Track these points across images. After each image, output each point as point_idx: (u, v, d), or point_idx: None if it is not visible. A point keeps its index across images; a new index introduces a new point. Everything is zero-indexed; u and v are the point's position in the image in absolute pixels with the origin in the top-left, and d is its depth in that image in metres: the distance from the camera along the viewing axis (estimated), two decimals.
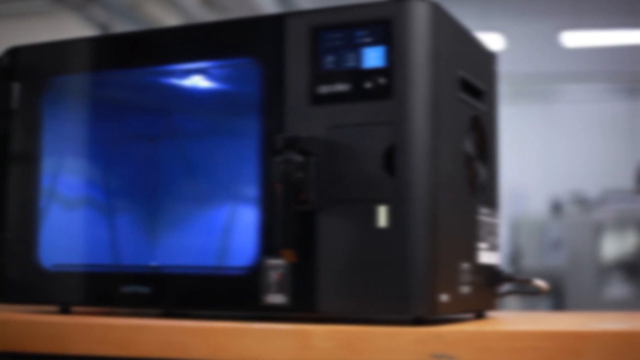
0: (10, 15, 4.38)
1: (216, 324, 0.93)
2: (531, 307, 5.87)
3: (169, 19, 5.01)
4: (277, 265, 0.96)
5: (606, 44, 7.42)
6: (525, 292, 1.14)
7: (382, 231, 0.91)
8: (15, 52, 1.18)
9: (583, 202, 6.60)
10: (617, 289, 6.12)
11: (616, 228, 6.27)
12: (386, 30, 0.93)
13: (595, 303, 5.80)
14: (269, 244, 0.97)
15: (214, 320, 0.96)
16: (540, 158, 7.66)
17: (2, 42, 1.33)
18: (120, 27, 4.56)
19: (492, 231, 1.09)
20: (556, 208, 6.78)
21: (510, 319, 1.09)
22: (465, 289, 0.99)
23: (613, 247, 6.26)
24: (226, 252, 1.01)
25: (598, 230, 6.17)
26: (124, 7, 4.67)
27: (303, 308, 0.95)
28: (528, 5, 7.30)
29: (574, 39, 7.48)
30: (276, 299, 0.95)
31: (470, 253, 1.02)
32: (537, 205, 7.13)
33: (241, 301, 0.98)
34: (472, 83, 1.05)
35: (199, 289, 1.01)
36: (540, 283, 1.10)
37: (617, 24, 7.13)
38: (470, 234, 1.02)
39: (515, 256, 6.64)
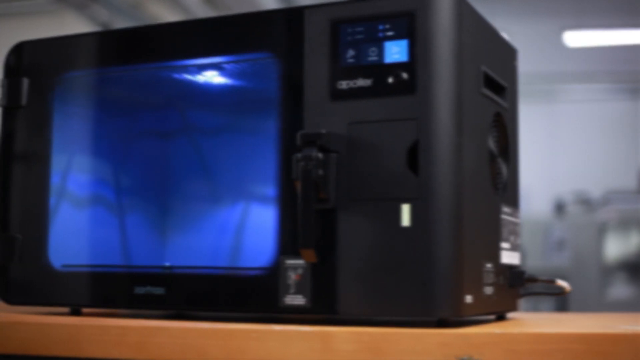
0: (11, 14, 4.36)
1: (234, 326, 0.90)
2: (534, 308, 5.84)
3: (171, 18, 4.99)
4: (296, 265, 0.93)
5: (609, 43, 7.40)
6: (549, 293, 1.12)
7: (405, 230, 0.89)
8: (23, 48, 1.15)
9: (586, 203, 6.57)
10: (621, 289, 6.09)
11: (619, 228, 6.25)
12: (409, 23, 0.91)
13: (598, 304, 5.77)
14: (287, 243, 0.94)
15: (232, 322, 0.93)
16: (543, 158, 7.63)
17: (4, 41, 1.31)
18: (122, 26, 4.53)
19: (514, 231, 1.07)
20: (559, 208, 6.75)
21: (534, 321, 1.06)
22: (488, 290, 0.96)
23: (616, 247, 6.23)
24: (243, 252, 0.98)
25: (601, 230, 6.15)
26: (125, 6, 4.63)
27: (323, 310, 0.92)
28: (531, 5, 7.27)
29: (577, 38, 7.45)
30: (295, 300, 0.93)
31: (493, 253, 0.99)
32: (540, 206, 7.10)
33: (259, 302, 0.95)
34: (494, 79, 1.02)
35: (215, 289, 0.98)
36: (563, 284, 1.07)
37: (620, 24, 7.10)
38: (493, 234, 1.00)
39: None
